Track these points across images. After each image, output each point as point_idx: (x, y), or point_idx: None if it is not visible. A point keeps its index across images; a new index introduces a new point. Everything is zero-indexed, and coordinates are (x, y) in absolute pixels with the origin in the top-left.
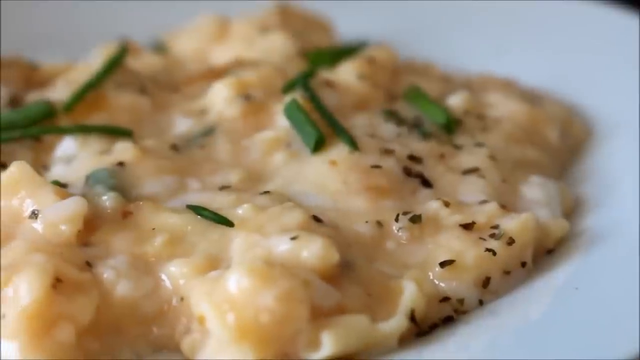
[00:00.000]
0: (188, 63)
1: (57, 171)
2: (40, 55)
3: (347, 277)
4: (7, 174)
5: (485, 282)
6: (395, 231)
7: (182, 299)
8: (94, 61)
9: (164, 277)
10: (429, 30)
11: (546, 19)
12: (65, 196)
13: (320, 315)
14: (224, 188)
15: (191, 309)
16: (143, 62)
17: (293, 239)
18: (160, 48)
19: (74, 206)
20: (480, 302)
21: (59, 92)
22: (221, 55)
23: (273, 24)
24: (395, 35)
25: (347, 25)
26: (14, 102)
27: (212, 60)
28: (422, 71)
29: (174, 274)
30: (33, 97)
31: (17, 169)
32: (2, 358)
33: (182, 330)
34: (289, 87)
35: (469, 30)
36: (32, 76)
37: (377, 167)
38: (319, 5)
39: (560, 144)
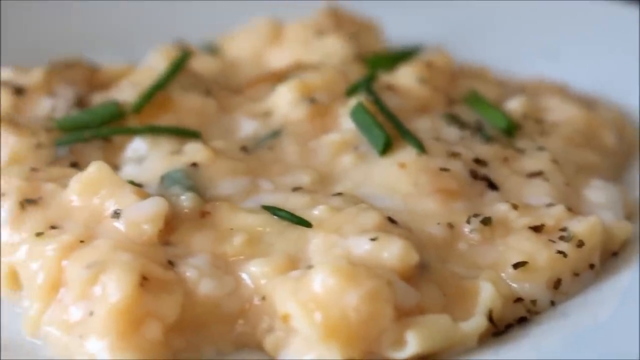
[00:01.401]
0: (244, 66)
1: (129, 171)
2: (91, 56)
3: (423, 277)
4: (86, 173)
5: (557, 283)
6: (467, 233)
7: (263, 297)
8: (152, 63)
9: (244, 276)
10: (475, 33)
11: (594, 23)
12: (144, 196)
13: (403, 315)
14: (296, 189)
15: (274, 307)
16: (200, 65)
17: (373, 239)
18: (212, 50)
19: (155, 206)
20: (552, 303)
21: (125, 94)
22: (277, 58)
23: (327, 27)
24: (442, 38)
25: (390, 27)
26: (80, 103)
27: (267, 63)
28: (477, 75)
29: (255, 273)
30: (98, 99)
31: (96, 169)
32: (89, 356)
33: (265, 329)
34: (352, 90)
35: (517, 34)
36: (93, 77)
37: (445, 169)
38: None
39: (617, 148)
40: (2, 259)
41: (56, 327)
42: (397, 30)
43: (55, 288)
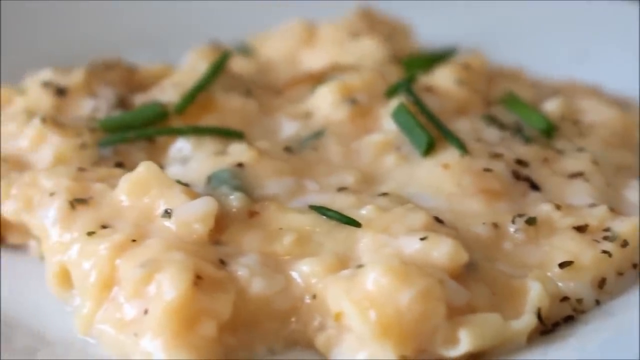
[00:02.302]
0: (278, 66)
1: (174, 171)
2: (124, 57)
3: (471, 276)
4: (135, 173)
5: (601, 282)
6: (512, 232)
7: (314, 296)
8: (189, 64)
9: (294, 275)
10: (504, 35)
11: (623, 24)
12: (194, 196)
13: (454, 313)
14: (341, 189)
15: (326, 306)
16: (235, 65)
17: (422, 239)
18: (244, 51)
19: (206, 205)
20: (597, 302)
21: (166, 95)
22: (311, 59)
23: (360, 29)
24: (469, 39)
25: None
26: (122, 103)
27: (302, 64)
28: (511, 77)
29: (305, 272)
30: (139, 100)
31: (145, 168)
32: (145, 354)
33: (316, 327)
34: (392, 91)
35: (546, 36)
36: (131, 78)
37: (488, 170)
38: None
39: None
40: (53, 258)
41: (110, 325)
42: (424, 31)
43: (108, 287)
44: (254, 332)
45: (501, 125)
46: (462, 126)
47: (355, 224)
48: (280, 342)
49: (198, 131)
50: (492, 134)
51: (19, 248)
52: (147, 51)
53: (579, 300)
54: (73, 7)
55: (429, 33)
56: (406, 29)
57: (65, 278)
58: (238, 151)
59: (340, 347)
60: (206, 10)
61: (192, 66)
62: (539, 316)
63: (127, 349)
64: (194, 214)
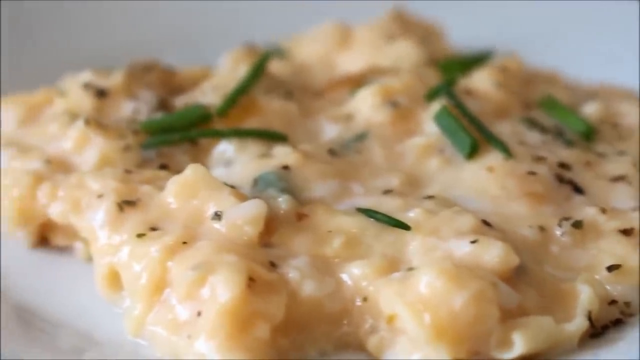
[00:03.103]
0: (313, 69)
1: (218, 173)
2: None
3: (521, 279)
4: (183, 176)
5: None
6: (559, 236)
7: (365, 298)
8: (226, 66)
9: (345, 277)
10: (537, 37)
11: None
12: (242, 198)
13: (507, 316)
14: (386, 192)
15: (377, 308)
16: (271, 68)
17: (473, 242)
18: (278, 53)
19: (256, 208)
20: None
21: (208, 97)
22: (347, 62)
23: (395, 32)
24: (503, 42)
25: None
26: (162, 106)
27: (338, 66)
28: (548, 80)
29: (356, 274)
30: (180, 102)
31: (193, 171)
32: (199, 356)
33: (368, 330)
34: (432, 94)
35: (580, 38)
36: (169, 80)
37: (532, 173)
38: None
39: None
40: (102, 260)
41: (162, 327)
42: (454, 33)
43: (160, 289)
44: (306, 334)
45: (542, 129)
46: (503, 129)
47: (404, 226)
48: (331, 344)
49: (242, 133)
50: (533, 137)
51: (65, 250)
52: (180, 53)
53: (627, 304)
54: (104, 8)
55: (458, 35)
56: (439, 32)
57: (115, 280)
58: (282, 153)
59: (392, 349)
60: (238, 12)
61: (231, 68)
62: (590, 319)
63: (180, 350)
64: (244, 217)
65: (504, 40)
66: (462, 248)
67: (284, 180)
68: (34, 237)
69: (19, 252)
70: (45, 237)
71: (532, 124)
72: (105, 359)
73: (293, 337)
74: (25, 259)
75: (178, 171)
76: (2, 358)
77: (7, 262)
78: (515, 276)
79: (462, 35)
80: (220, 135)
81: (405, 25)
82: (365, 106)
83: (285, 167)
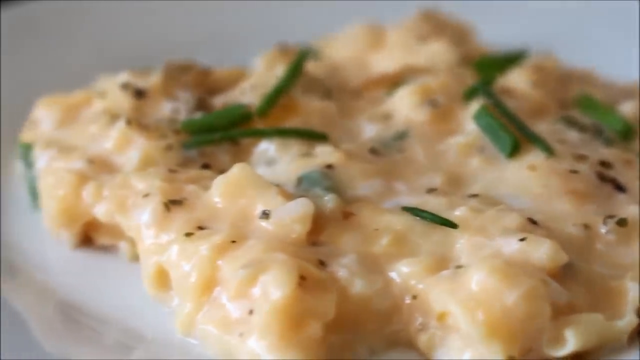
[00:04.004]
0: (347, 69)
1: (260, 172)
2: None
3: (569, 277)
4: (230, 175)
5: None
6: (603, 234)
7: (414, 296)
8: (263, 66)
9: (393, 275)
10: (568, 36)
11: None
12: (288, 197)
13: (558, 313)
14: (430, 191)
15: (427, 306)
16: (306, 68)
17: (521, 240)
18: (310, 54)
19: (304, 207)
20: None
21: (247, 97)
22: (380, 62)
23: (428, 32)
24: (534, 41)
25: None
26: (202, 106)
27: (371, 67)
28: (583, 79)
29: (405, 273)
30: (218, 102)
31: (239, 170)
32: (251, 354)
33: (418, 327)
34: (470, 94)
35: (609, 37)
36: (205, 80)
37: (574, 172)
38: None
39: None
40: (149, 260)
41: (213, 325)
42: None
43: (210, 287)
44: (355, 332)
45: (581, 127)
46: (541, 128)
47: (451, 225)
48: (380, 342)
49: (283, 133)
50: (572, 136)
51: (108, 249)
52: (210, 54)
53: None
54: (134, 10)
55: (488, 35)
56: (470, 31)
57: (162, 279)
58: (325, 153)
59: (444, 347)
60: (265, 13)
61: (266, 69)
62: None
63: (232, 349)
64: (293, 215)
65: (534, 40)
66: (510, 246)
67: (328, 179)
68: (78, 237)
69: (62, 252)
70: (89, 236)
71: (571, 122)
72: (155, 357)
73: (343, 336)
74: (68, 258)
75: (221, 170)
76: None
77: (51, 260)
78: (563, 274)
79: (492, 35)
80: (262, 134)
81: (437, 25)
82: (404, 105)
83: (329, 166)
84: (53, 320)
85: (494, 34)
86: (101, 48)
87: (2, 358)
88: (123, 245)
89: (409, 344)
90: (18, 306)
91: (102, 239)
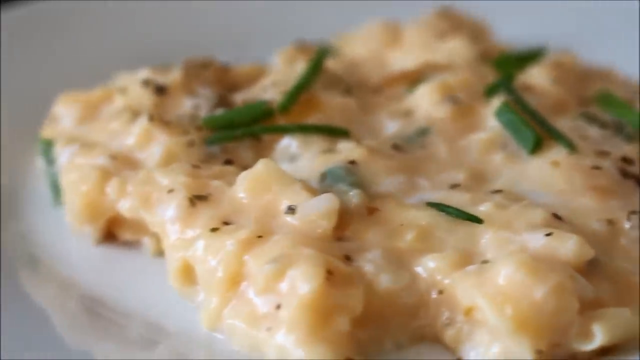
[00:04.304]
0: (365, 66)
1: (283, 168)
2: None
3: (595, 272)
4: (254, 171)
5: None
6: (627, 229)
7: (441, 291)
8: (282, 62)
9: (419, 270)
10: (584, 34)
11: None
12: (313, 192)
13: (585, 308)
14: (454, 187)
15: (454, 301)
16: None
17: (547, 235)
18: (328, 51)
19: (329, 202)
20: None
21: (268, 94)
22: (398, 59)
23: (445, 30)
24: (550, 38)
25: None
26: (223, 102)
27: (389, 64)
28: (603, 76)
29: (431, 268)
30: (239, 98)
31: (264, 166)
32: (279, 349)
33: (444, 322)
34: (491, 90)
35: (624, 35)
36: (225, 77)
37: (597, 168)
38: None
39: None
40: (175, 255)
41: (240, 320)
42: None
43: (236, 282)
44: (382, 327)
45: (602, 124)
46: (562, 124)
47: (476, 220)
48: (407, 336)
49: (305, 129)
50: (593, 132)
51: (131, 245)
52: (227, 51)
53: None
54: (150, 8)
55: (503, 32)
56: (486, 29)
57: (188, 274)
58: (347, 149)
59: (471, 341)
60: (281, 10)
61: (286, 65)
62: None
63: (259, 343)
64: (318, 211)
65: (550, 37)
66: (536, 241)
67: (352, 174)
68: (101, 233)
69: (84, 247)
70: (111, 232)
71: (592, 119)
72: (179, 351)
73: (370, 330)
74: (91, 253)
75: (243, 166)
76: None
77: (74, 256)
78: (588, 269)
79: (507, 33)
80: (284, 130)
81: (454, 23)
82: (425, 102)
83: (352, 162)
84: (76, 315)
85: (509, 31)
86: (117, 45)
87: (25, 352)
88: (146, 241)
89: (435, 339)
90: (41, 301)
91: (125, 235)
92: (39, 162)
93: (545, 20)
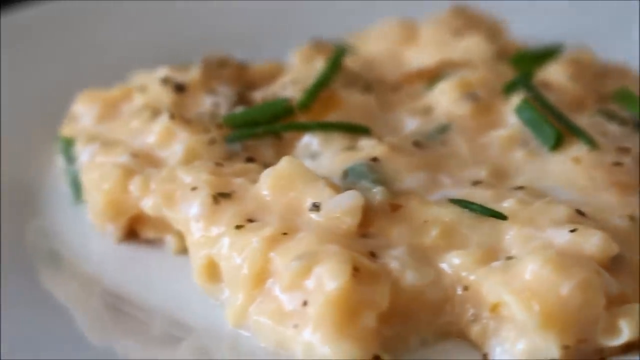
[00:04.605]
0: (382, 64)
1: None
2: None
3: (618, 267)
4: (278, 168)
5: None
6: None
7: (466, 287)
8: (299, 60)
9: (444, 267)
10: (598, 31)
11: None
12: (336, 189)
13: (611, 304)
14: (476, 183)
15: (479, 297)
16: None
17: (572, 231)
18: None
19: (354, 199)
20: None
21: (287, 91)
22: (414, 57)
23: (461, 28)
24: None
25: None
26: (242, 100)
27: (406, 62)
28: (619, 73)
29: (456, 264)
30: (258, 96)
31: (288, 163)
32: (306, 345)
33: (470, 318)
34: (510, 87)
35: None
36: (242, 75)
37: (618, 164)
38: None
39: None
40: (199, 252)
41: (267, 317)
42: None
43: (262, 279)
44: (408, 323)
45: (621, 121)
46: (581, 121)
47: (500, 216)
48: (432, 333)
49: (327, 127)
50: (613, 128)
51: (153, 243)
52: (240, 49)
53: None
54: (160, 7)
55: (517, 30)
56: (502, 27)
57: (212, 271)
58: (369, 146)
59: (497, 337)
60: (294, 9)
61: (304, 63)
62: None
63: (286, 340)
64: (343, 208)
65: (563, 35)
66: (561, 237)
67: (374, 171)
68: (123, 231)
69: (106, 245)
70: (133, 230)
71: (610, 115)
72: (204, 348)
73: (396, 327)
74: (113, 251)
75: (265, 164)
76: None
77: (96, 254)
78: (613, 264)
79: (521, 30)
80: (306, 128)
81: (469, 20)
82: (445, 99)
83: (374, 159)
84: (99, 313)
85: (521, 29)
86: (132, 45)
87: (48, 350)
88: (169, 239)
89: (461, 335)
90: (63, 298)
91: (147, 233)
92: (59, 161)
93: (557, 18)
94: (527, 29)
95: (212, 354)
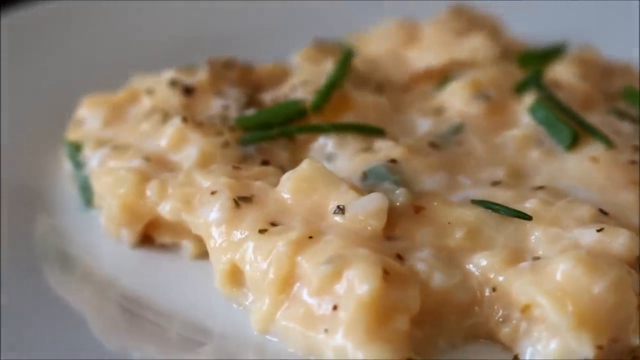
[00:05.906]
0: (385, 65)
1: None
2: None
3: None
4: (299, 171)
5: None
6: None
7: (494, 289)
8: (306, 62)
9: (471, 268)
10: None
11: None
12: (359, 192)
13: None
14: (495, 184)
15: (509, 298)
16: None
17: (599, 230)
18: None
19: (378, 201)
20: None
21: (298, 93)
22: (417, 58)
23: (463, 28)
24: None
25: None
26: (253, 102)
27: (409, 62)
28: (624, 71)
29: (483, 265)
30: (267, 98)
31: (309, 166)
32: (337, 350)
33: (499, 320)
34: (521, 87)
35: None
36: (248, 77)
37: (634, 162)
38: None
39: None
40: (222, 257)
41: (296, 322)
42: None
43: (289, 284)
44: (437, 326)
45: (632, 119)
46: (594, 120)
47: (525, 217)
48: (461, 335)
49: (341, 128)
50: (625, 127)
51: (168, 248)
52: (241, 50)
53: None
54: (162, 8)
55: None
56: (500, 26)
57: (235, 276)
58: (386, 147)
59: (528, 338)
60: (295, 10)
61: (308, 65)
62: None
63: (317, 345)
64: (368, 210)
65: (562, 34)
66: (588, 237)
67: (394, 173)
68: (138, 236)
69: (121, 249)
70: (148, 235)
71: (622, 114)
72: (228, 354)
73: (425, 330)
74: (128, 255)
75: (280, 167)
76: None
77: (109, 258)
78: (638, 263)
79: (520, 29)
80: (320, 130)
81: (470, 20)
82: (457, 99)
83: (393, 161)
84: (114, 317)
85: (520, 27)
86: (133, 46)
87: (64, 354)
88: (186, 244)
89: (490, 337)
90: (77, 303)
91: (163, 238)
92: (66, 165)
93: (555, 16)
94: (523, 27)
95: (236, 356)
